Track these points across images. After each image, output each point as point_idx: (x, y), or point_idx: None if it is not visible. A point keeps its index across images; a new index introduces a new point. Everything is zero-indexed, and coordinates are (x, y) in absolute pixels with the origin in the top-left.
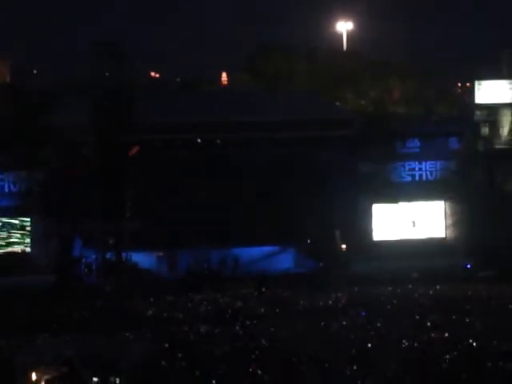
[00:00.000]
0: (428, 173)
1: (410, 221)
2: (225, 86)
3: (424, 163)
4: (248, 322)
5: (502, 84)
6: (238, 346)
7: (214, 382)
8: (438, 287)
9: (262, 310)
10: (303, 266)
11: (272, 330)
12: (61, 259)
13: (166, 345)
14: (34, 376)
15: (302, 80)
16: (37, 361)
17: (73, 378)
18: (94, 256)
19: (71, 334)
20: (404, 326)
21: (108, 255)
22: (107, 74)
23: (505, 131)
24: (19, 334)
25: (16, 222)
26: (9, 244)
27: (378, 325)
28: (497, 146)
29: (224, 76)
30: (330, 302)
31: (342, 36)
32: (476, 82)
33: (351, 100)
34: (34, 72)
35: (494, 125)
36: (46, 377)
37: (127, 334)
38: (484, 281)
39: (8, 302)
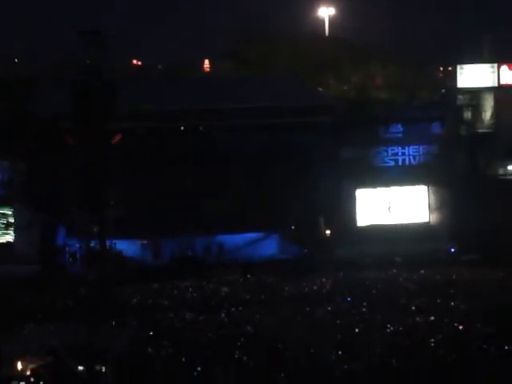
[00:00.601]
0: (411, 157)
1: (393, 205)
2: (207, 72)
3: (407, 148)
4: (233, 309)
5: (484, 68)
6: (223, 332)
7: (199, 368)
8: (422, 271)
9: (247, 297)
10: (288, 252)
11: (257, 316)
12: (44, 248)
13: (152, 332)
14: (19, 365)
15: (285, 66)
16: (22, 350)
17: (58, 367)
18: (77, 245)
19: (56, 323)
20: (389, 311)
21: (92, 244)
22: (89, 61)
23: (487, 115)
24: (4, 323)
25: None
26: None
27: (363, 310)
28: (479, 130)
29: (206, 63)
30: (315, 287)
31: (324, 22)
32: (458, 67)
33: (334, 85)
34: (15, 61)
35: (477, 109)
36: (31, 366)
37: (112, 323)
38: (467, 264)
39: None
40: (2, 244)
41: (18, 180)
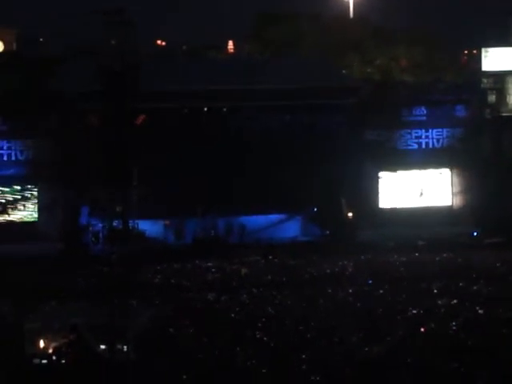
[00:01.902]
0: (434, 140)
1: (416, 188)
2: (231, 54)
3: (431, 131)
4: (255, 290)
5: (509, 51)
6: (244, 313)
7: (220, 348)
8: (444, 255)
9: (269, 278)
10: (310, 233)
11: (278, 297)
12: (68, 227)
13: (173, 312)
14: (42, 343)
15: (309, 47)
16: (45, 328)
17: (80, 345)
18: (100, 224)
19: (78, 301)
20: (410, 294)
21: (115, 223)
22: (113, 41)
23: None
24: (28, 301)
25: (24, 190)
26: (17, 212)
27: (385, 292)
28: (504, 114)
29: (230, 44)
30: (337, 269)
31: (348, 3)
32: (483, 50)
33: (358, 67)
34: (41, 40)
35: (501, 92)
36: (53, 344)
37: (134, 302)
38: (490, 248)
39: (17, 269)
40: (26, 223)
41: (42, 159)
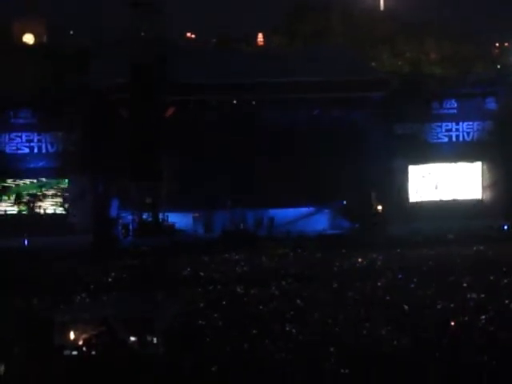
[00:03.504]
0: (465, 133)
1: (445, 182)
2: (260, 46)
3: (461, 124)
4: (283, 283)
5: None
6: (273, 306)
7: (249, 341)
8: (474, 248)
9: (298, 271)
10: (339, 227)
11: (307, 290)
12: (98, 220)
13: (202, 304)
14: (72, 335)
15: (338, 40)
16: (75, 320)
17: (110, 337)
18: (130, 216)
19: (108, 293)
20: (439, 288)
21: (145, 216)
22: (143, 33)
23: None
24: (58, 293)
25: (54, 182)
26: (47, 205)
27: (414, 286)
28: None
29: (260, 37)
30: (366, 263)
31: None
32: None
33: (387, 60)
34: (71, 32)
35: None
36: (83, 336)
37: (164, 294)
38: None
39: (47, 261)
40: (56, 215)
41: (72, 151)
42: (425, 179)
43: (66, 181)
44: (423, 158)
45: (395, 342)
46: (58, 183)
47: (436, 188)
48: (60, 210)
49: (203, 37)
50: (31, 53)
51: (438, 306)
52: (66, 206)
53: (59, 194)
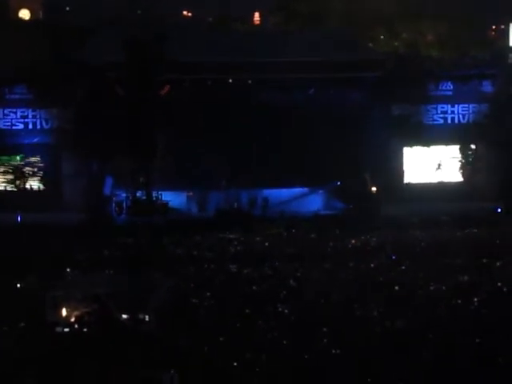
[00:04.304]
0: (460, 116)
1: (440, 164)
2: (257, 25)
3: (456, 106)
4: (277, 263)
5: None
6: (266, 286)
7: (241, 320)
8: (467, 230)
9: (291, 251)
10: (333, 207)
11: (300, 270)
12: (92, 197)
13: (195, 283)
14: (64, 312)
15: (335, 20)
16: (68, 297)
17: (103, 315)
18: (124, 195)
19: (101, 271)
20: (433, 269)
21: (138, 194)
22: (139, 11)
23: None
24: (51, 270)
25: (49, 159)
26: (40, 182)
27: (407, 267)
28: None
29: (256, 16)
30: (359, 243)
31: None
32: (510, 25)
33: (384, 41)
34: (67, 9)
35: None
36: (76, 313)
37: (156, 272)
38: None
39: (40, 239)
40: (50, 192)
41: (67, 128)
42: (420, 161)
43: (60, 157)
44: (418, 139)
45: (388, 323)
46: (54, 160)
47: (432, 169)
48: (54, 187)
49: (200, 15)
50: (27, 28)
51: (432, 288)
52: (60, 182)
53: (53, 170)
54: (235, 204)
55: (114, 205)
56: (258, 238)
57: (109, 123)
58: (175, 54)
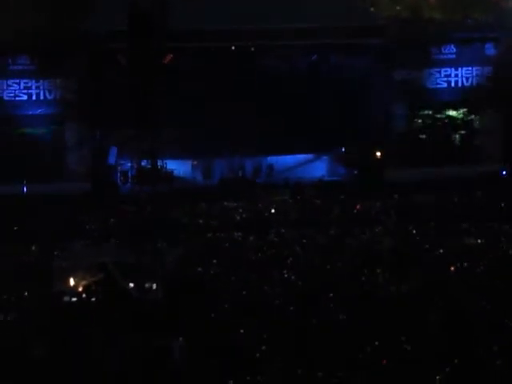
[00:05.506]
0: (464, 79)
1: (444, 127)
2: None
3: (460, 69)
4: (282, 230)
5: None
6: (271, 252)
7: (247, 287)
8: (473, 194)
9: (296, 218)
10: (337, 174)
11: (306, 237)
12: (96, 167)
13: (201, 251)
14: (71, 281)
15: None
16: (74, 267)
17: (109, 284)
18: (129, 164)
19: (107, 241)
20: (437, 234)
21: (143, 163)
22: None
23: None
24: (57, 240)
25: (51, 129)
26: (44, 152)
27: (412, 232)
28: None
29: None
30: (364, 209)
31: None
32: None
33: (386, 6)
34: None
35: None
36: (83, 282)
37: (163, 241)
38: None
39: (46, 208)
40: (55, 161)
41: (70, 98)
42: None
43: (64, 128)
44: (422, 103)
45: (393, 288)
46: (56, 130)
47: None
48: (59, 157)
49: None
50: None
51: (437, 252)
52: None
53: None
54: (240, 172)
55: (118, 174)
56: (262, 206)
57: (112, 93)
58: (177, 22)
